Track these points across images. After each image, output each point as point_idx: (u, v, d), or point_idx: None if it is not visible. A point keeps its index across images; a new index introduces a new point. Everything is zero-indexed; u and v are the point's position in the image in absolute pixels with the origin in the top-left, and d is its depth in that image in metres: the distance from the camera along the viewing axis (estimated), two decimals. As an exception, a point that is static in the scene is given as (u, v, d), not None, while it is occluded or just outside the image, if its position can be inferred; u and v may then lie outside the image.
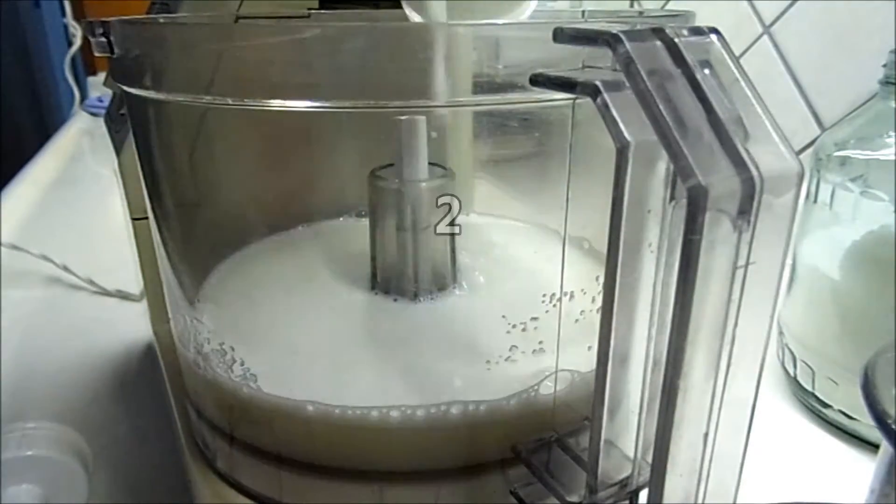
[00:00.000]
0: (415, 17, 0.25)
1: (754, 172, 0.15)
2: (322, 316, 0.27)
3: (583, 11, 0.35)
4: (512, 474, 0.24)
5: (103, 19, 0.24)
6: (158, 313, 0.36)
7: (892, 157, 0.31)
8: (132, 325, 0.46)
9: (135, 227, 0.34)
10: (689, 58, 0.16)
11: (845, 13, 0.55)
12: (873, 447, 0.33)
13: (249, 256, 0.30)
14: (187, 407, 0.30)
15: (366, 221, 0.28)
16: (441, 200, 0.27)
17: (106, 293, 0.52)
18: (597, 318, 0.18)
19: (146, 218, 0.30)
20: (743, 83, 0.16)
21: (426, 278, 0.27)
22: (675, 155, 0.15)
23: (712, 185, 0.14)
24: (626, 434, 0.20)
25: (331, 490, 0.25)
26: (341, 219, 0.33)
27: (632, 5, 0.81)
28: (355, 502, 0.25)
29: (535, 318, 0.25)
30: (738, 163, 0.15)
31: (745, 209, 0.15)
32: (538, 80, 0.18)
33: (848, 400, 0.34)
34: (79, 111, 1.29)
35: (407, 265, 0.27)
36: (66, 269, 0.54)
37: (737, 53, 0.16)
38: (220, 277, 0.29)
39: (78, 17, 1.46)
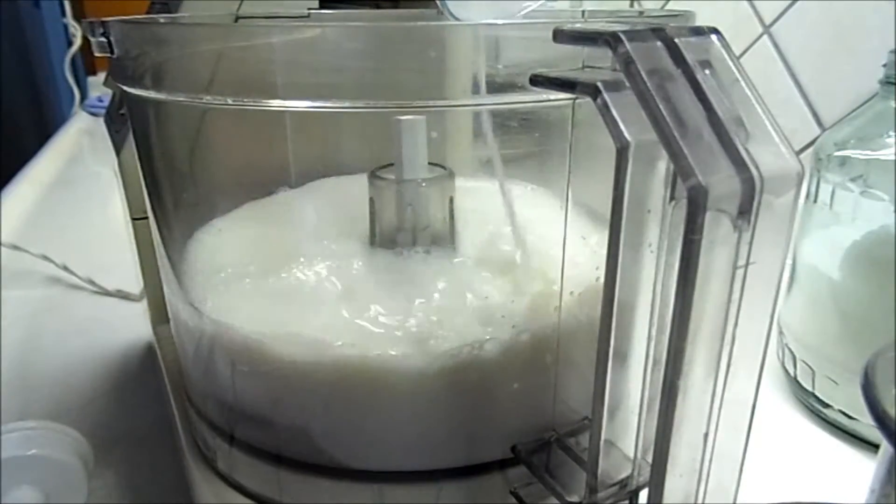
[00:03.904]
0: None
1: (754, 172, 0.15)
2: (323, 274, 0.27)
3: (583, 11, 0.35)
4: (512, 474, 0.24)
5: (103, 19, 0.24)
6: (158, 313, 0.36)
7: (892, 157, 0.31)
8: (132, 325, 0.46)
9: (135, 227, 0.34)
10: (689, 58, 0.16)
11: (845, 13, 0.55)
12: (873, 447, 0.33)
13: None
14: (187, 407, 0.30)
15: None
16: (441, 200, 0.27)
17: (106, 293, 0.52)
18: (596, 316, 0.18)
19: (146, 218, 0.30)
20: (743, 83, 0.16)
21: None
22: (675, 155, 0.15)
23: (712, 185, 0.14)
24: (626, 434, 0.20)
25: (331, 490, 0.25)
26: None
27: (632, 5, 0.81)
28: (355, 502, 0.25)
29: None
30: (738, 163, 0.15)
31: (745, 209, 0.15)
32: (538, 80, 0.18)
33: (848, 400, 0.34)
34: (79, 111, 1.29)
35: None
36: (66, 269, 0.54)
37: (737, 53, 0.16)
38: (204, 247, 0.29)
39: (78, 17, 1.46)
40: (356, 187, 0.28)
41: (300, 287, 0.26)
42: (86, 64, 1.46)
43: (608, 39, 0.16)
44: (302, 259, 0.27)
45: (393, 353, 0.23)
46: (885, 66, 0.32)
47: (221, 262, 0.28)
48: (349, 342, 0.23)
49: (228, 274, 0.27)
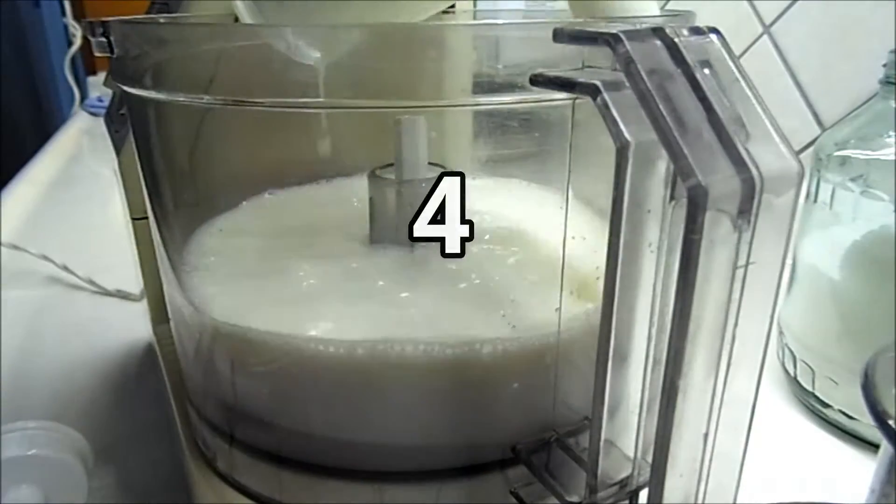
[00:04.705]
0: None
1: (754, 172, 0.15)
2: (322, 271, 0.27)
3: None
4: (512, 474, 0.24)
5: (103, 19, 0.24)
6: (158, 313, 0.36)
7: (892, 157, 0.31)
8: (132, 325, 0.46)
9: (135, 227, 0.34)
10: (689, 58, 0.16)
11: (845, 13, 0.55)
12: (873, 447, 0.33)
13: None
14: (187, 407, 0.30)
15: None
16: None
17: (106, 293, 0.52)
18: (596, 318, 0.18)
19: (146, 218, 0.30)
20: (743, 83, 0.16)
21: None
22: (675, 155, 0.15)
23: (712, 185, 0.14)
24: (626, 434, 0.20)
25: (331, 490, 0.25)
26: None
27: (632, 5, 0.80)
28: (355, 502, 0.25)
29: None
30: (738, 163, 0.15)
31: (745, 209, 0.15)
32: (538, 80, 0.18)
33: (848, 400, 0.34)
34: (79, 111, 1.29)
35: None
36: (66, 269, 0.54)
37: (737, 53, 0.16)
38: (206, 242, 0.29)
39: (78, 17, 1.46)
40: (356, 187, 0.28)
41: (299, 286, 0.26)
42: (86, 64, 1.46)
43: (608, 39, 0.16)
44: (301, 258, 0.27)
45: (392, 352, 0.23)
46: (885, 66, 0.32)
47: (221, 260, 0.28)
48: (349, 341, 0.23)
49: (228, 272, 0.28)
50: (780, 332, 0.38)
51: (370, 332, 0.23)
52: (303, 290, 0.25)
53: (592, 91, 0.16)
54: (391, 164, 0.27)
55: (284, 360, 0.24)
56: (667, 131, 0.15)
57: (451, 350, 0.23)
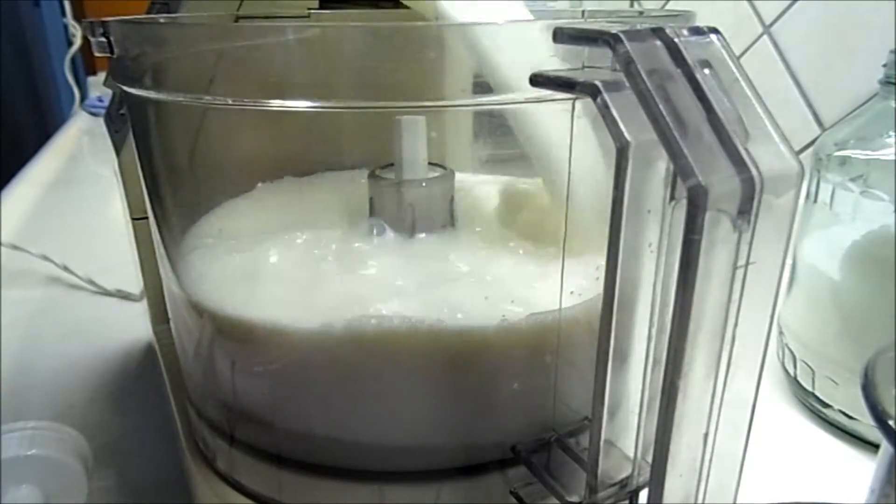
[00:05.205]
0: None
1: (754, 172, 0.15)
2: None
3: (583, 11, 0.35)
4: (512, 474, 0.24)
5: (103, 19, 0.24)
6: (158, 313, 0.36)
7: (892, 157, 0.31)
8: (132, 325, 0.46)
9: (135, 227, 0.34)
10: (689, 58, 0.16)
11: (845, 13, 0.55)
12: (873, 447, 0.33)
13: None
14: (187, 407, 0.30)
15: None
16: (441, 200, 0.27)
17: (106, 293, 0.52)
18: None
19: (146, 218, 0.30)
20: (743, 83, 0.16)
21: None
22: (675, 155, 0.15)
23: (712, 185, 0.14)
24: (626, 434, 0.20)
25: (331, 490, 0.25)
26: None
27: (632, 5, 0.81)
28: (355, 502, 0.25)
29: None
30: (738, 163, 0.15)
31: (745, 209, 0.15)
32: (538, 80, 0.18)
33: (848, 400, 0.34)
34: (79, 111, 1.29)
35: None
36: (66, 269, 0.54)
37: (737, 53, 0.16)
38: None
39: (78, 17, 1.46)
40: (356, 182, 0.28)
41: (298, 281, 0.26)
42: (86, 64, 1.46)
43: (608, 39, 0.16)
44: (299, 254, 0.27)
45: (392, 352, 0.23)
46: (885, 66, 0.32)
47: (219, 254, 0.28)
48: (349, 338, 0.23)
49: (221, 257, 0.28)
50: (780, 332, 0.38)
51: (369, 337, 0.23)
52: (299, 290, 0.25)
53: (592, 91, 0.16)
54: (391, 164, 0.27)
55: (281, 351, 0.24)
56: (667, 131, 0.15)
57: (452, 355, 0.23)
